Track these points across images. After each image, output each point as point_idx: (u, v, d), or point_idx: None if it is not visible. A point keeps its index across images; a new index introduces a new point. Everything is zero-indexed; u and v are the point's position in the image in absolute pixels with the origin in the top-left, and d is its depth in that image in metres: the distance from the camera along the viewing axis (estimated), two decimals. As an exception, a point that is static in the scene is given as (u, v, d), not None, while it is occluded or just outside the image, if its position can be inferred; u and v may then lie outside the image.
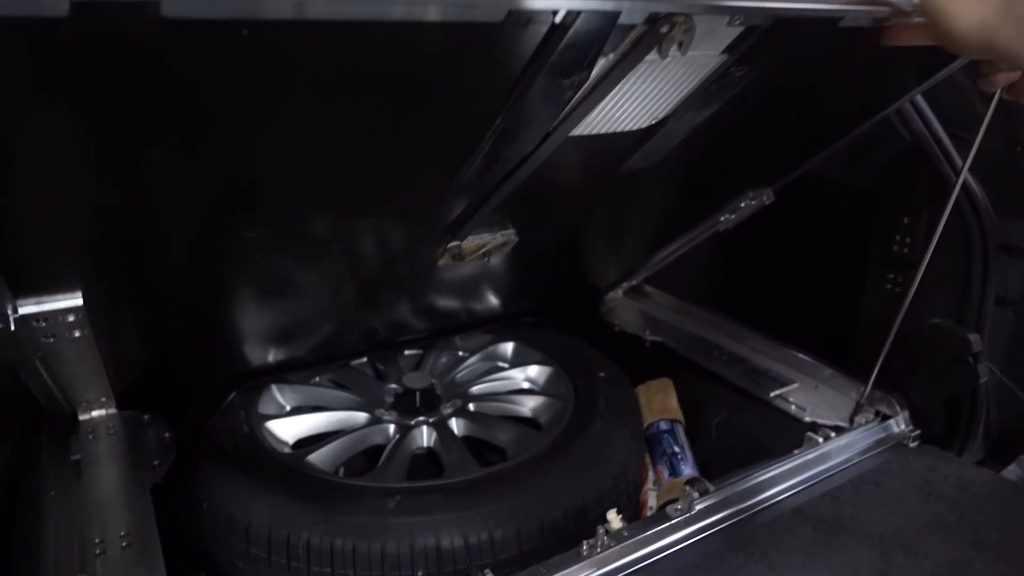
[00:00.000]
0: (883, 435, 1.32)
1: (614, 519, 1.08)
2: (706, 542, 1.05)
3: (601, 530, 1.02)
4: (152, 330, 1.20)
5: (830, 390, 1.46)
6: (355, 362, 1.74)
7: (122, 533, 0.99)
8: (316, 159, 0.86)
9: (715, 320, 1.67)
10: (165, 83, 0.61)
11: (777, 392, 1.45)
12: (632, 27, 0.70)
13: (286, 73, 0.65)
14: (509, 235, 1.18)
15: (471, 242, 1.14)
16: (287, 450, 1.39)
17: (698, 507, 1.09)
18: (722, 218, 1.53)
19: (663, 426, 1.57)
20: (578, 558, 1.00)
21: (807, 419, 1.42)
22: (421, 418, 1.49)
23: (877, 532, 1.04)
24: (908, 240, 1.34)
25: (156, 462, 1.18)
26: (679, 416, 1.60)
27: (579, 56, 0.70)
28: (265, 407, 1.49)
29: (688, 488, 1.12)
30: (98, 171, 0.74)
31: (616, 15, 0.64)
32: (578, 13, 0.64)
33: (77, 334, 0.94)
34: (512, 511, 1.16)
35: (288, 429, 1.45)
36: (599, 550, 1.01)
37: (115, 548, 0.97)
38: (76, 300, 0.86)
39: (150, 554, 0.95)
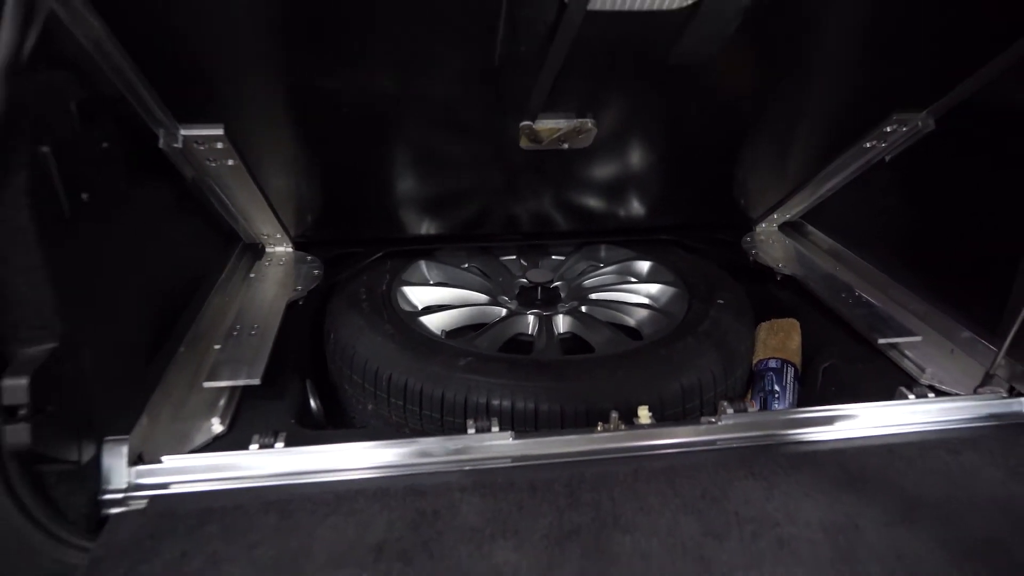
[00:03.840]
0: (1001, 410, 1.14)
1: (644, 415, 1.13)
2: (718, 453, 1.04)
3: (615, 414, 1.08)
4: (314, 185, 1.47)
5: (966, 356, 1.29)
6: (504, 257, 1.91)
7: (255, 326, 1.31)
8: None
9: (859, 263, 1.53)
10: None
11: (888, 340, 1.31)
12: None
13: None
14: (584, 123, 1.21)
15: (544, 124, 1.20)
16: (411, 308, 1.61)
17: (726, 422, 1.08)
18: (868, 144, 1.38)
19: (771, 364, 1.50)
20: (591, 432, 1.07)
21: (924, 381, 1.27)
22: (534, 309, 1.62)
23: (910, 496, 0.94)
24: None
25: (299, 287, 1.50)
26: (794, 358, 1.52)
27: None
28: (409, 275, 1.73)
29: (725, 403, 1.11)
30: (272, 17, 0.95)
31: None
32: None
33: (230, 163, 1.22)
34: (559, 393, 1.24)
35: (419, 296, 1.67)
36: (611, 431, 1.06)
37: (245, 333, 1.29)
38: (217, 130, 1.12)
39: (265, 341, 1.27)
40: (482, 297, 1.67)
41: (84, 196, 0.94)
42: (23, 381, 0.83)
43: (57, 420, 0.88)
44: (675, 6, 0.90)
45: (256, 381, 1.15)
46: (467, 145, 1.35)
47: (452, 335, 1.56)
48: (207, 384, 1.15)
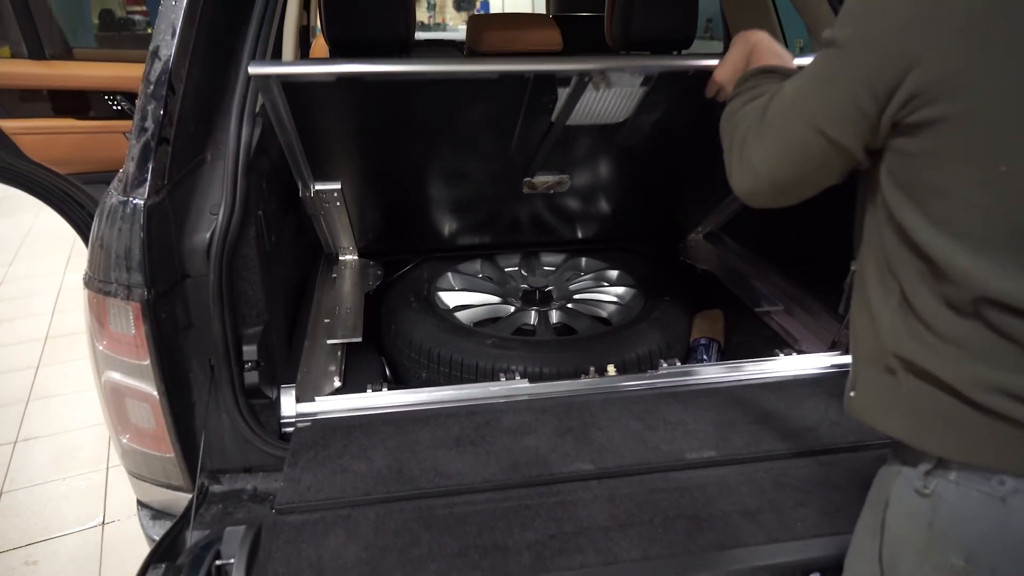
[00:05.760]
0: (840, 362, 1.78)
1: (611, 370, 1.76)
2: (655, 390, 1.67)
3: (592, 368, 1.71)
4: (378, 215, 2.11)
5: (823, 329, 1.93)
6: (508, 268, 2.54)
7: (348, 307, 1.94)
8: (463, 146, 1.68)
9: (754, 260, 2.22)
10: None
11: (762, 309, 1.98)
12: (570, 78, 1.37)
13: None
14: (563, 177, 1.92)
15: (539, 179, 1.91)
16: (445, 307, 2.23)
17: (661, 371, 1.71)
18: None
19: (702, 341, 2.14)
20: (576, 379, 1.70)
21: (796, 346, 1.92)
22: (534, 307, 2.25)
23: (769, 409, 1.57)
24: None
25: (371, 283, 2.13)
26: (719, 337, 2.16)
27: (547, 86, 1.38)
28: (441, 283, 2.35)
29: (662, 360, 1.75)
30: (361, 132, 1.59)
31: (553, 74, 1.34)
32: (536, 74, 1.34)
33: (338, 204, 1.85)
34: (552, 360, 1.86)
35: (451, 298, 2.29)
36: (589, 378, 1.70)
37: (343, 311, 1.92)
38: (336, 185, 1.76)
39: (357, 320, 1.90)
40: (496, 299, 2.30)
41: (273, 238, 1.55)
42: (254, 347, 1.44)
43: (264, 372, 1.49)
44: (614, 121, 1.55)
45: (359, 339, 1.79)
46: (488, 192, 2.01)
47: (477, 325, 2.18)
48: (330, 341, 1.78)
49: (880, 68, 0.79)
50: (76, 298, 4.53)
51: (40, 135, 3.07)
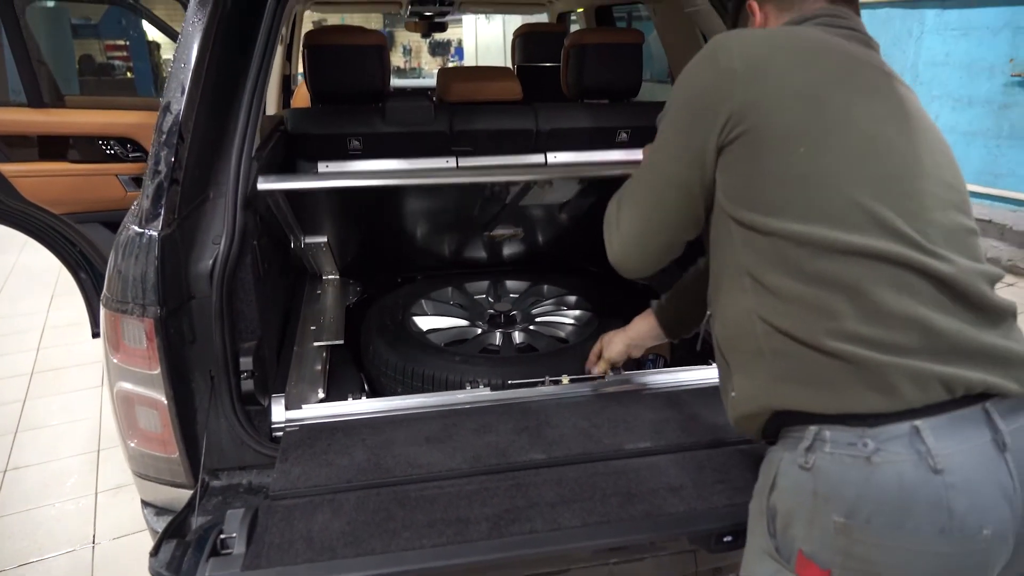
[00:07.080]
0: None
1: (565, 380, 1.99)
2: (601, 394, 1.90)
3: (548, 378, 1.94)
4: (359, 254, 2.36)
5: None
6: (477, 296, 2.78)
7: (330, 317, 2.17)
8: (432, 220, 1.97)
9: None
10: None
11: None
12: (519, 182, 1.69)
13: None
14: (518, 230, 2.26)
15: (497, 232, 2.24)
16: (418, 330, 2.46)
17: (608, 379, 1.95)
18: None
19: (650, 357, 2.39)
20: (538, 385, 1.93)
21: (730, 359, 2.17)
22: (499, 329, 2.48)
23: (695, 411, 1.80)
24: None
25: (351, 298, 2.38)
26: (664, 352, 2.41)
27: (503, 186, 1.68)
28: (415, 309, 2.58)
29: (609, 370, 1.99)
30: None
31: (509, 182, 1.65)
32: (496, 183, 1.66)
33: (324, 249, 2.10)
34: (513, 373, 2.09)
35: (424, 322, 2.52)
36: (547, 385, 1.93)
37: (327, 320, 2.15)
38: (323, 239, 2.01)
39: (339, 327, 2.14)
40: (465, 322, 2.53)
41: (266, 265, 1.78)
42: (249, 359, 1.65)
43: (258, 381, 1.70)
44: (555, 202, 1.85)
45: (341, 341, 2.01)
46: (454, 241, 2.29)
47: (448, 345, 2.41)
48: (316, 344, 1.99)
49: (702, 111, 1.11)
50: (61, 335, 4.68)
51: (37, 177, 3.27)
